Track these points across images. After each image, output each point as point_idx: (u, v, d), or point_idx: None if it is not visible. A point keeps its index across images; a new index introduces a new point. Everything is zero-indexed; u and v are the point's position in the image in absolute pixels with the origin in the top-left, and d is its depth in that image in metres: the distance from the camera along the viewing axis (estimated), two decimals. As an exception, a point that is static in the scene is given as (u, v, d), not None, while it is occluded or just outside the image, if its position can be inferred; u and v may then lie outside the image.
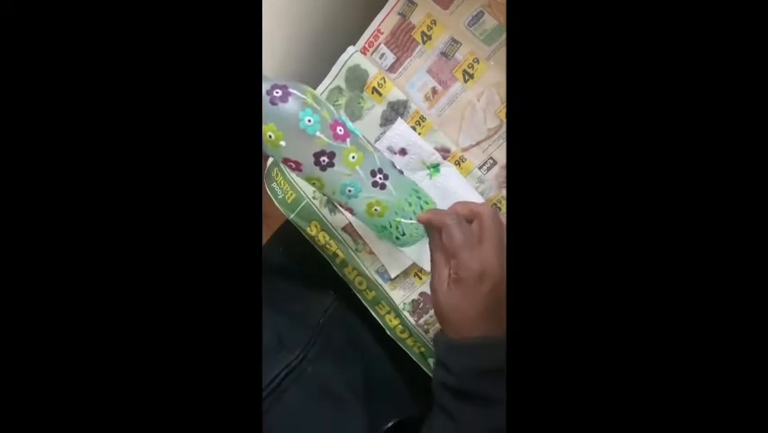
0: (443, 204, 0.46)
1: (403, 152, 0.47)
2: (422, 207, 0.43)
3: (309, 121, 0.35)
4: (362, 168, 0.39)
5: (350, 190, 0.40)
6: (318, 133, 0.36)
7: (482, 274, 0.34)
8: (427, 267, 0.48)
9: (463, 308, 0.34)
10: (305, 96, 0.35)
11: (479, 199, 0.45)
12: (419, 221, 0.39)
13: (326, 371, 0.45)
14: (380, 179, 0.40)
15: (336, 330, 0.50)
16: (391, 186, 0.41)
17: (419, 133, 0.47)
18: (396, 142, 0.47)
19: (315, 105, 0.36)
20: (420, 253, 0.48)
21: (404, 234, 0.44)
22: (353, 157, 0.38)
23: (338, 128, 0.37)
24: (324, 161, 0.37)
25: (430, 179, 0.47)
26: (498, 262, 0.34)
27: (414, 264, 0.49)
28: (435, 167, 0.47)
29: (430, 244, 0.39)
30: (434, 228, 0.37)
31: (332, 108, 0.38)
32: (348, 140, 0.37)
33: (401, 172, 0.43)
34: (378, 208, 0.41)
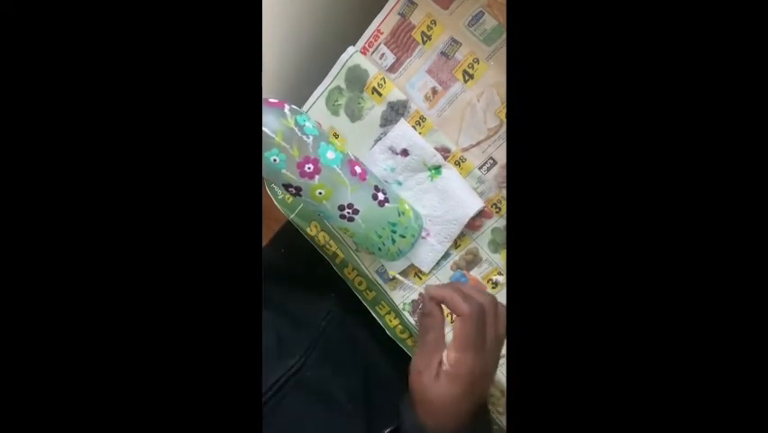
0: (443, 206, 0.46)
1: (405, 152, 0.47)
2: (394, 241, 0.44)
3: (275, 160, 0.36)
4: (330, 202, 0.40)
5: (320, 214, 0.42)
6: (284, 171, 0.37)
7: (483, 377, 0.33)
8: (425, 268, 0.48)
9: (450, 403, 0.33)
10: (273, 136, 0.35)
11: (479, 202, 0.45)
12: (430, 295, 0.35)
13: (327, 375, 0.45)
14: (348, 213, 0.41)
15: (337, 334, 0.50)
16: (360, 219, 0.42)
17: (419, 134, 0.47)
18: (398, 142, 0.47)
19: (285, 143, 0.36)
20: (418, 255, 0.48)
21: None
22: (320, 193, 0.39)
23: (307, 166, 0.37)
24: (292, 191, 0.39)
25: (431, 180, 0.47)
26: (495, 362, 0.33)
27: (412, 265, 0.49)
28: (437, 168, 0.47)
29: (424, 318, 0.35)
30: (437, 302, 0.35)
31: (307, 141, 0.37)
32: (317, 177, 0.38)
33: (382, 204, 0.42)
34: (347, 231, 0.43)
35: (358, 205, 0.41)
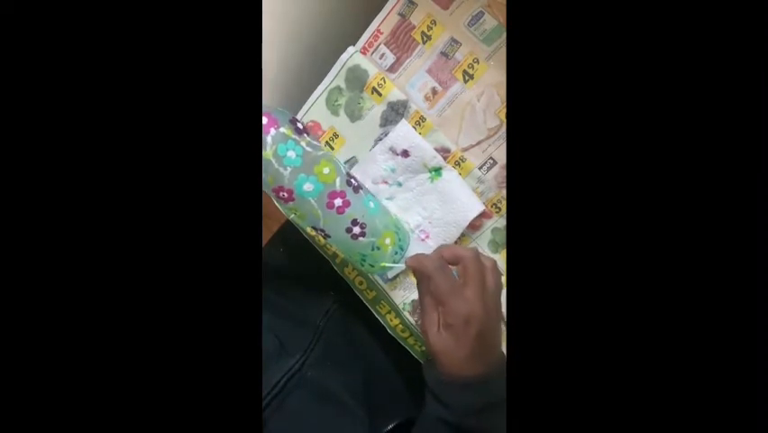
0: (443, 208, 0.46)
1: (405, 153, 0.47)
2: (362, 265, 0.45)
3: None
4: (304, 222, 0.41)
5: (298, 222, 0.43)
6: (263, 189, 0.38)
7: (468, 319, 0.36)
8: None
9: (454, 351, 0.36)
10: None
11: (479, 205, 0.45)
12: (407, 264, 0.40)
13: (327, 374, 0.45)
14: (321, 233, 0.42)
15: (336, 332, 0.50)
16: (333, 243, 0.43)
17: (419, 134, 0.47)
18: (399, 143, 0.47)
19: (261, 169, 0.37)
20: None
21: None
22: (295, 213, 0.40)
23: (282, 193, 0.38)
24: (277, 198, 0.40)
25: (431, 182, 0.47)
26: (482, 305, 0.36)
27: None
28: (437, 170, 0.47)
29: (418, 286, 0.40)
30: (420, 273, 0.39)
31: (283, 173, 0.36)
32: (291, 203, 0.39)
33: (356, 237, 0.42)
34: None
35: (329, 232, 0.42)
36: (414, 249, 0.47)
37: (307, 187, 0.38)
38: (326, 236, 0.42)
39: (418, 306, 0.50)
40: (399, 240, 0.46)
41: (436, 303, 0.38)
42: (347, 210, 0.41)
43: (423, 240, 0.47)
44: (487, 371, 0.37)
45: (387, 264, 0.45)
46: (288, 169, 0.37)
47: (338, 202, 0.40)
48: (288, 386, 0.41)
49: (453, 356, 0.36)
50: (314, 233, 0.52)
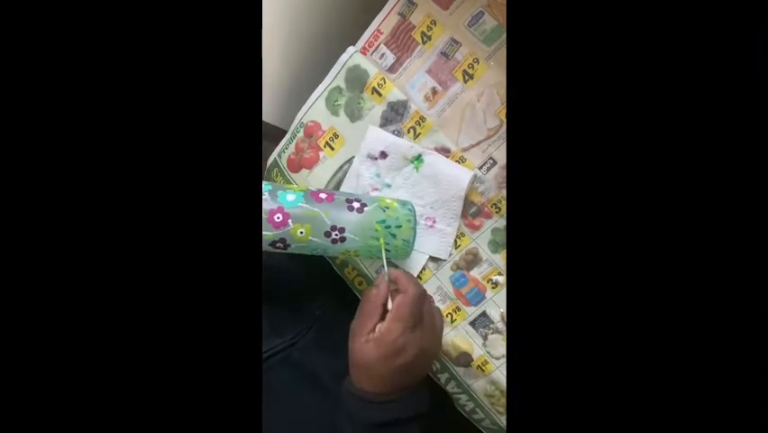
0: (438, 189, 0.46)
1: (383, 154, 0.48)
2: (394, 235, 0.44)
3: None
4: (315, 236, 0.41)
5: (316, 251, 0.43)
6: (263, 232, 0.39)
7: (409, 351, 0.37)
8: (443, 255, 0.48)
9: (371, 365, 0.37)
10: None
11: (468, 172, 0.45)
12: (391, 278, 0.41)
13: (315, 360, 0.46)
14: (337, 234, 0.42)
15: (331, 325, 0.51)
16: (351, 234, 0.42)
17: (419, 134, 0.47)
18: (374, 147, 0.48)
19: None
20: (431, 245, 0.47)
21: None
22: (302, 232, 0.40)
23: (276, 216, 0.39)
24: (279, 246, 0.40)
25: (417, 171, 0.47)
26: (429, 344, 0.39)
27: (430, 257, 0.48)
28: (418, 158, 0.47)
29: (370, 289, 0.41)
30: (403, 284, 0.39)
31: (265, 198, 0.39)
32: (290, 221, 0.39)
33: (361, 210, 0.42)
34: (351, 254, 0.44)
35: (340, 223, 0.41)
36: (425, 238, 0.47)
37: (290, 197, 0.40)
38: (341, 231, 0.41)
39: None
40: (393, 200, 0.46)
41: (377, 316, 0.38)
42: (336, 196, 0.43)
43: (431, 227, 0.47)
44: (395, 396, 0.37)
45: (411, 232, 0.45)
46: (265, 193, 0.40)
47: (323, 195, 0.42)
48: (268, 362, 0.42)
49: (367, 372, 0.37)
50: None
